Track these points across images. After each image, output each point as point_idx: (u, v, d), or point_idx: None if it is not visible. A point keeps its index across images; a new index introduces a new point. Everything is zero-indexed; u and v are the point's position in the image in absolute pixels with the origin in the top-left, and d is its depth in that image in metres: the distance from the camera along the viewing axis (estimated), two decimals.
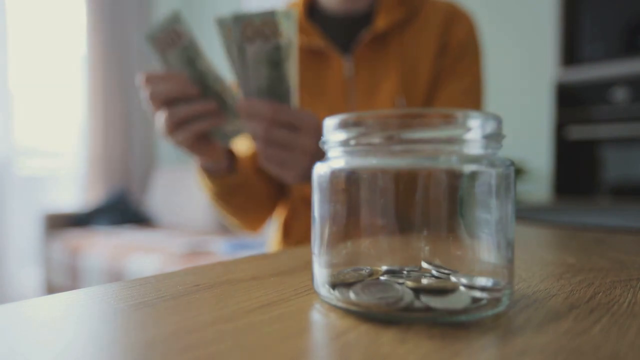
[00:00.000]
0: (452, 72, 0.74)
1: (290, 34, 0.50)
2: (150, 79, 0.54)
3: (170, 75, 0.54)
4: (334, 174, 0.24)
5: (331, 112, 0.73)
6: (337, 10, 0.77)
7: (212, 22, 3.07)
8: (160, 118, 0.55)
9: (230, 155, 0.67)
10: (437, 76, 0.74)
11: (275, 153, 0.54)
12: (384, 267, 0.25)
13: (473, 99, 0.75)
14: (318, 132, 0.54)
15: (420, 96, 0.74)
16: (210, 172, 0.67)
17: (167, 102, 0.54)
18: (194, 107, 0.54)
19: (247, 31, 0.49)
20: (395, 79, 0.73)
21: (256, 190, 0.74)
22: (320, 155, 0.55)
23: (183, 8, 3.18)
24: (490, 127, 0.23)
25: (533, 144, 1.83)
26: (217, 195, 0.71)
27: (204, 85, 0.55)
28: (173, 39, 0.53)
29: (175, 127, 0.55)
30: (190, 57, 0.53)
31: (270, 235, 0.87)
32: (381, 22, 0.72)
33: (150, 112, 0.56)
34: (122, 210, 2.65)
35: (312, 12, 0.80)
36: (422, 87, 0.74)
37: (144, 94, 0.55)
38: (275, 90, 0.53)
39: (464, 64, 0.75)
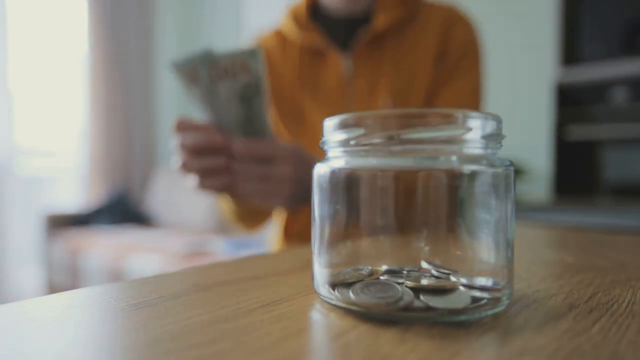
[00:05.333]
0: (451, 75, 0.74)
1: (259, 70, 0.51)
2: (181, 127, 0.54)
3: (200, 126, 0.54)
4: (334, 174, 0.24)
5: (330, 111, 0.74)
6: (338, 10, 0.78)
7: (212, 23, 3.08)
8: (189, 165, 0.55)
9: None
10: (437, 79, 0.75)
11: (252, 187, 0.55)
12: (384, 267, 0.25)
13: (472, 102, 0.75)
14: (295, 159, 0.55)
15: (419, 98, 0.74)
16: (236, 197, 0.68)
17: (195, 151, 0.54)
18: (217, 161, 0.54)
19: (216, 71, 0.50)
20: (394, 79, 0.73)
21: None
22: (303, 180, 0.55)
23: (182, 9, 3.18)
24: (490, 127, 0.23)
25: (533, 144, 1.83)
26: (240, 215, 0.72)
27: (248, 125, 0.54)
28: (236, 73, 0.51)
29: (202, 175, 0.55)
30: (248, 95, 0.52)
31: (270, 234, 0.87)
32: (380, 22, 0.73)
33: (178, 158, 0.56)
34: (122, 210, 2.65)
35: (315, 12, 0.80)
36: (421, 89, 0.74)
37: (174, 141, 0.56)
38: (250, 125, 0.54)
39: (463, 67, 0.75)
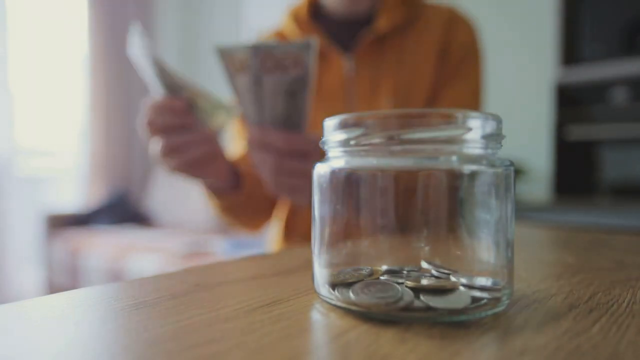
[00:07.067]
0: (452, 77, 0.74)
1: (310, 64, 0.49)
2: (153, 107, 0.54)
3: (171, 103, 0.53)
4: (334, 174, 0.24)
5: (332, 111, 0.74)
6: (340, 12, 0.78)
7: (212, 23, 3.08)
8: (156, 144, 0.55)
9: (235, 171, 0.67)
10: (438, 80, 0.75)
11: (285, 181, 0.54)
12: (384, 267, 0.25)
13: (473, 103, 0.75)
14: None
15: (420, 99, 0.74)
16: (216, 190, 0.67)
17: (163, 129, 0.54)
18: (186, 137, 0.54)
19: (267, 62, 0.48)
20: (395, 80, 0.73)
21: (261, 199, 0.73)
22: None
23: (182, 9, 3.18)
24: (490, 127, 0.23)
25: (533, 144, 1.83)
26: (223, 209, 0.71)
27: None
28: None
29: (168, 153, 0.55)
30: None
31: (271, 234, 0.87)
32: (382, 23, 0.73)
33: (145, 137, 0.56)
34: (122, 210, 2.65)
35: (316, 13, 0.80)
36: (423, 90, 0.74)
37: (142, 119, 0.55)
38: (291, 118, 0.52)
39: (464, 69, 0.75)
